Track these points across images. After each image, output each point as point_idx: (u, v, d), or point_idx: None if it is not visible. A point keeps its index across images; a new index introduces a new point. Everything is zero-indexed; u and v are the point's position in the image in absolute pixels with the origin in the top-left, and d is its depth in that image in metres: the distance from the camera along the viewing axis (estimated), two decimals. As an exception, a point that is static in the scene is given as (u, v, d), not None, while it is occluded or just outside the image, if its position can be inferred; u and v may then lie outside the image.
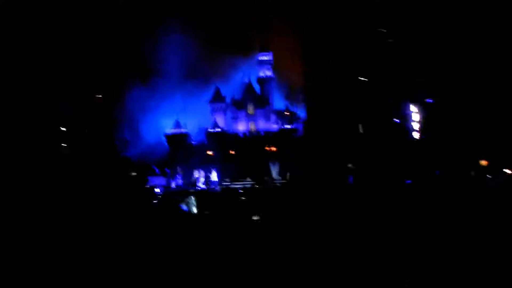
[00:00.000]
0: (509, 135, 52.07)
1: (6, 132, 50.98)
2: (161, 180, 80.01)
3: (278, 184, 75.45)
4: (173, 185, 77.88)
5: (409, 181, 47.58)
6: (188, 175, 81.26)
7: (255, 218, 24.93)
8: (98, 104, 77.67)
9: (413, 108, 66.97)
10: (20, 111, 56.68)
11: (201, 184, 78.61)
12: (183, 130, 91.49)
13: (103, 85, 79.81)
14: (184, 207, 30.69)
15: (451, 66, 58.91)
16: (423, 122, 66.04)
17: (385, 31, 61.85)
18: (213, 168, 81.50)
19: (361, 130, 74.81)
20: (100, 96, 77.89)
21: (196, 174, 79.56)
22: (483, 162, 53.14)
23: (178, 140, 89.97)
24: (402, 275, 11.87)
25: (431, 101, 63.48)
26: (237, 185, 75.30)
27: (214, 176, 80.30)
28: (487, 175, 46.38)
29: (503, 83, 54.55)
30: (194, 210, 29.37)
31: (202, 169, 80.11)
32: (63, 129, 65.68)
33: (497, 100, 55.62)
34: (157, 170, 75.46)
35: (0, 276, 11.54)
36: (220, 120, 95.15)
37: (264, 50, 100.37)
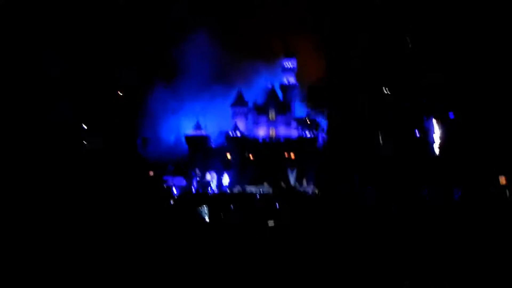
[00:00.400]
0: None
1: (26, 129, 51.85)
2: (180, 181, 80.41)
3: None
4: (192, 187, 78.39)
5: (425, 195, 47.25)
6: (203, 177, 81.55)
7: (270, 224, 25.07)
8: (121, 103, 78.56)
9: (435, 122, 66.43)
10: (42, 109, 57.57)
11: (214, 187, 78.74)
12: (203, 132, 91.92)
13: (127, 85, 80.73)
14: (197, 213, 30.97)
15: (474, 81, 58.36)
16: (444, 137, 65.49)
17: (409, 41, 61.49)
18: (226, 171, 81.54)
19: (381, 142, 74.40)
20: (122, 95, 78.77)
21: (208, 176, 79.53)
22: (502, 179, 52.50)
23: (197, 142, 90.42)
24: (401, 277, 11.99)
25: (452, 116, 62.93)
26: (254, 189, 75.50)
27: (225, 180, 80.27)
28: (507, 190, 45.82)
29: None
30: (206, 218, 29.60)
31: (216, 172, 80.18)
32: (85, 127, 66.54)
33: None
34: (171, 168, 75.72)
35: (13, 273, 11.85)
36: (241, 124, 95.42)
37: (288, 56, 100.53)
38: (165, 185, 68.90)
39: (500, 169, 54.68)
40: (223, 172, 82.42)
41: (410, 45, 66.54)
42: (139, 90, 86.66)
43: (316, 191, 73.77)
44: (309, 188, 79.64)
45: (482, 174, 54.10)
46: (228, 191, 74.36)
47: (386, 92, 64.58)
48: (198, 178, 76.31)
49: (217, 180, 78.79)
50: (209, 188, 77.30)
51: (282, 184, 78.23)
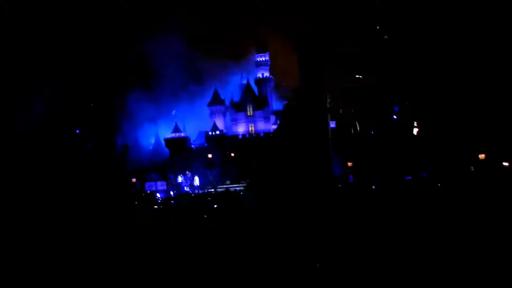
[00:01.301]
0: (506, 129, 52.27)
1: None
2: (163, 185, 79.90)
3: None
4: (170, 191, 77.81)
5: (409, 177, 47.65)
6: (186, 179, 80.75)
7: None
8: (98, 111, 77.86)
9: (409, 106, 67.14)
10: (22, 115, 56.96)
11: (186, 188, 78.00)
12: (182, 134, 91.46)
13: (102, 92, 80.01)
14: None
15: (447, 65, 59.10)
16: (421, 119, 66.20)
17: (378, 27, 61.96)
18: (198, 173, 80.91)
19: (358, 128, 74.99)
20: (100, 103, 78.12)
21: (179, 179, 78.67)
22: (482, 156, 53.35)
23: (177, 144, 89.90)
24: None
25: (425, 98, 63.72)
26: (238, 187, 75.27)
27: (196, 181, 79.61)
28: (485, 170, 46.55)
29: (498, 80, 54.78)
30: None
31: (191, 173, 79.53)
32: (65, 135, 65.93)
33: (494, 95, 55.84)
34: (153, 175, 75.11)
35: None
36: (220, 123, 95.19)
37: (261, 51, 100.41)
38: (148, 191, 68.39)
39: (479, 147, 55.60)
40: (205, 172, 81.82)
41: (381, 31, 67.02)
42: (115, 98, 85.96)
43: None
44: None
45: (461, 152, 54.92)
46: (201, 191, 73.71)
47: (358, 77, 65.03)
48: (172, 181, 75.46)
49: (190, 181, 78.02)
50: (182, 189, 76.58)
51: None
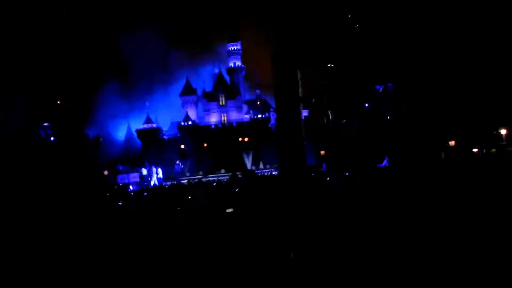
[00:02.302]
0: (477, 113, 53.24)
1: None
2: (135, 177, 79.03)
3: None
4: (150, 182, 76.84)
5: (381, 165, 48.10)
6: (151, 172, 79.60)
7: (228, 211, 24.90)
8: (67, 104, 76.54)
9: (381, 91, 67.74)
10: None
11: (152, 182, 77.06)
12: (154, 125, 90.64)
13: (71, 85, 78.66)
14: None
15: (416, 49, 59.70)
16: (392, 106, 66.92)
17: (349, 15, 62.23)
18: (179, 162, 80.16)
19: (330, 116, 75.54)
20: (68, 96, 76.79)
21: (144, 171, 77.62)
22: (452, 143, 54.37)
23: (149, 135, 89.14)
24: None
25: (391, 85, 64.49)
26: (211, 177, 75.03)
27: (160, 173, 78.76)
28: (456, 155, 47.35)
29: (470, 66, 55.63)
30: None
31: (154, 165, 78.62)
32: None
33: (464, 81, 56.69)
34: (121, 168, 74.04)
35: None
36: (192, 113, 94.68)
37: (233, 39, 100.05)
38: (120, 183, 67.54)
39: (450, 134, 56.69)
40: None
41: (352, 19, 67.27)
42: (85, 90, 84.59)
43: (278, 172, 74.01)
44: (267, 170, 79.86)
45: (432, 139, 55.83)
46: (164, 183, 72.97)
47: (330, 66, 65.31)
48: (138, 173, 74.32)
49: (155, 173, 77.12)
50: (149, 182, 75.70)
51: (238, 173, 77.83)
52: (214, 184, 42.60)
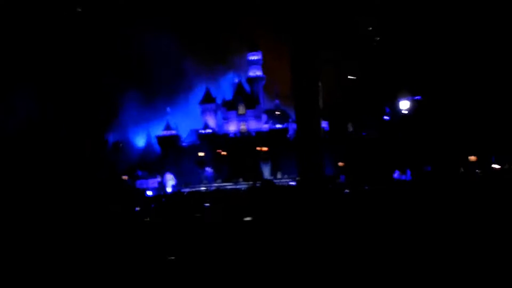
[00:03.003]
0: (498, 132, 52.70)
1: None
2: (154, 183, 79.54)
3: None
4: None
5: (400, 176, 47.88)
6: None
7: (246, 219, 24.97)
8: (89, 110, 77.44)
9: (403, 105, 67.37)
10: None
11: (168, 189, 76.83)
12: (173, 132, 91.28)
13: (94, 91, 79.64)
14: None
15: (439, 63, 59.35)
16: (413, 119, 66.50)
17: (371, 28, 62.10)
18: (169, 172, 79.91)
19: (351, 128, 75.38)
20: (90, 101, 77.66)
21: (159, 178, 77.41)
22: (472, 158, 53.88)
23: (168, 142, 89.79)
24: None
25: (419, 98, 64.02)
26: (229, 185, 75.23)
27: (171, 181, 78.34)
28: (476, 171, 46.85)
29: (491, 81, 55.15)
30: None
31: (171, 172, 78.47)
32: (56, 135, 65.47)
33: (486, 96, 56.23)
34: (140, 173, 74.50)
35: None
36: (211, 121, 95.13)
37: (253, 49, 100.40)
38: (139, 188, 68.11)
39: (470, 149, 56.13)
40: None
41: (373, 32, 67.15)
42: (104, 96, 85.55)
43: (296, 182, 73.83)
44: (285, 180, 79.77)
45: (452, 154, 55.31)
46: (182, 190, 72.96)
47: (351, 78, 65.20)
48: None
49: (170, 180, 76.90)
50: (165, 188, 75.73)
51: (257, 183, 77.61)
52: (233, 192, 42.77)
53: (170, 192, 66.34)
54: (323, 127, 69.27)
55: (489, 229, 13.30)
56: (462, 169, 45.99)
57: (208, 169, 75.65)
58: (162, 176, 76.83)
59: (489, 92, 55.55)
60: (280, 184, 69.84)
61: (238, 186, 70.94)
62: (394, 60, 65.03)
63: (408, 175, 47.81)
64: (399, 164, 52.07)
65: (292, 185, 64.07)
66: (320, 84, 32.08)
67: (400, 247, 12.55)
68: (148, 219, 22.56)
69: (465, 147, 55.61)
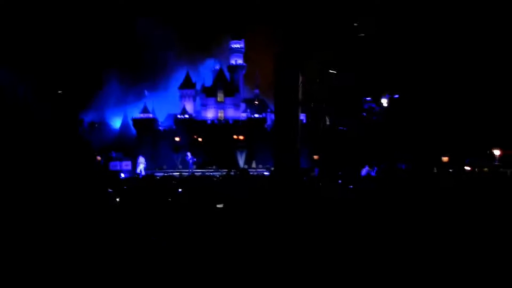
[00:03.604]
0: (472, 132, 53.55)
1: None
2: (128, 165, 78.74)
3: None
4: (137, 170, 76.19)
5: (369, 172, 48.31)
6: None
7: (219, 206, 24.99)
8: (64, 90, 76.25)
9: (382, 102, 68.02)
10: None
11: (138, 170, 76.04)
12: (150, 115, 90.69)
13: (69, 71, 78.38)
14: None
15: (420, 61, 59.91)
16: (388, 117, 67.21)
17: (356, 24, 62.37)
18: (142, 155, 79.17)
19: (327, 122, 75.81)
20: (66, 81, 76.46)
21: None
22: (445, 159, 54.76)
23: (145, 125, 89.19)
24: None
25: (396, 96, 64.71)
26: (203, 172, 75.08)
27: (142, 164, 77.23)
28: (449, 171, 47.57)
29: (466, 79, 55.91)
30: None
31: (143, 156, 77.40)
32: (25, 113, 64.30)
33: (461, 96, 57.02)
34: (114, 155, 73.64)
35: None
36: (189, 107, 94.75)
37: (236, 37, 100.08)
38: (112, 170, 67.32)
39: (443, 149, 56.98)
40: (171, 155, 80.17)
41: (358, 28, 67.40)
42: (82, 75, 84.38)
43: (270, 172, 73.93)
44: (260, 169, 79.95)
45: (425, 153, 56.06)
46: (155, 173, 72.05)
47: (332, 72, 65.47)
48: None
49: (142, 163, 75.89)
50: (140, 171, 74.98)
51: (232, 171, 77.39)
52: (206, 178, 42.65)
53: (142, 175, 65.79)
54: (301, 120, 69.52)
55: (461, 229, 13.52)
56: (435, 169, 46.64)
57: (189, 154, 74.89)
58: (136, 158, 75.98)
59: (469, 93, 56.36)
60: (255, 174, 70.03)
61: (213, 173, 70.85)
62: (376, 57, 65.46)
63: (373, 171, 48.26)
64: (371, 160, 52.50)
65: (266, 175, 64.28)
66: (300, 76, 32.13)
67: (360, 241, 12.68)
68: (118, 200, 22.34)
69: (439, 147, 56.41)
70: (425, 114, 59.54)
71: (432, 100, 58.99)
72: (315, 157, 67.60)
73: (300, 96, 30.16)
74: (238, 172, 45.14)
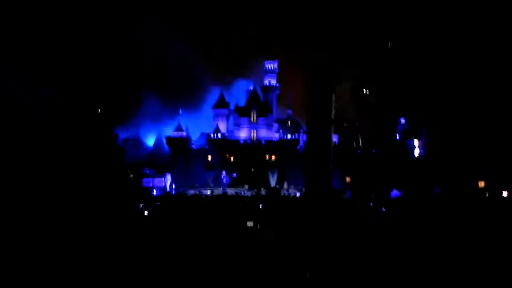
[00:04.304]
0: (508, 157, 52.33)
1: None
2: (160, 182, 79.53)
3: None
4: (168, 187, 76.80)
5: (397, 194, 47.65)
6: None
7: (249, 224, 24.83)
8: (100, 108, 77.91)
9: (415, 126, 67.16)
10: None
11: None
12: (184, 134, 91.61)
13: (106, 89, 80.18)
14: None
15: (454, 84, 59.07)
16: (425, 140, 66.27)
17: (390, 44, 62.01)
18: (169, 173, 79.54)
19: (360, 142, 75.11)
20: (102, 99, 78.17)
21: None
22: (481, 183, 53.46)
23: (178, 144, 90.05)
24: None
25: (432, 119, 63.82)
26: (234, 191, 75.22)
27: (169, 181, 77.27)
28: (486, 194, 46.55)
29: (503, 105, 54.85)
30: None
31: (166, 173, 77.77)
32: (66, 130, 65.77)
33: (501, 121, 55.91)
34: (147, 171, 74.54)
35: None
36: (223, 126, 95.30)
37: (270, 58, 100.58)
38: (145, 186, 68.23)
39: (479, 174, 55.62)
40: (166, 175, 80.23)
41: (390, 47, 66.97)
42: (120, 94, 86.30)
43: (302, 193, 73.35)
44: (292, 190, 79.56)
45: (461, 176, 54.86)
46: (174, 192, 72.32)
47: (366, 92, 65.12)
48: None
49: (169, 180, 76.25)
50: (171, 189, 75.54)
51: (262, 189, 77.41)
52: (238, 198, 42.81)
53: (173, 193, 66.55)
54: (334, 141, 69.12)
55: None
56: (470, 192, 45.59)
57: (224, 173, 75.26)
58: (165, 176, 76.84)
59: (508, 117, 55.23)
60: (287, 194, 69.85)
61: (244, 193, 70.99)
62: (410, 80, 64.81)
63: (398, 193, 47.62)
64: (407, 183, 51.72)
65: (297, 196, 63.88)
66: (334, 97, 32.12)
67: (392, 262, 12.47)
68: (147, 213, 22.62)
69: (475, 171, 55.20)
70: (462, 138, 58.47)
71: (470, 123, 57.95)
72: (348, 179, 66.89)
73: (332, 116, 30.07)
74: (268, 192, 45.21)
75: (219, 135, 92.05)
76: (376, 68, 65.54)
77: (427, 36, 60.90)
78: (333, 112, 29.73)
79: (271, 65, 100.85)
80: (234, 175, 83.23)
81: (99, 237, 14.86)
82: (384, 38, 64.61)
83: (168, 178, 73.48)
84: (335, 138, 75.83)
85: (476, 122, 58.22)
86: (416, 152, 68.35)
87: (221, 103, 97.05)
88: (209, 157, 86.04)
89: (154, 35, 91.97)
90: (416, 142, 67.68)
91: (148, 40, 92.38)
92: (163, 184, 70.99)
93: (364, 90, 67.65)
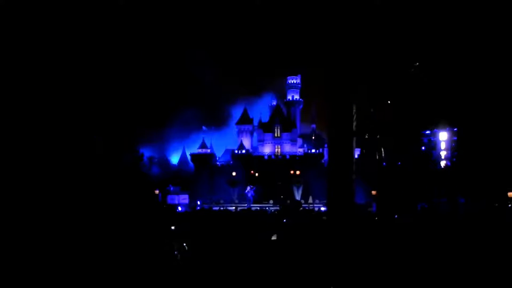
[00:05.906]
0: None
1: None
2: (185, 198, 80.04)
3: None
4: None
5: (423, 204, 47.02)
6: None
7: (273, 238, 24.88)
8: (125, 123, 78.92)
9: (441, 136, 66.50)
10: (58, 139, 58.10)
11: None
12: (208, 150, 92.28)
13: (134, 108, 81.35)
14: None
15: (479, 93, 58.34)
16: (451, 151, 65.48)
17: (416, 63, 61.68)
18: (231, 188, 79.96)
19: (383, 154, 74.53)
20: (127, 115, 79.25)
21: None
22: (511, 194, 52.40)
23: (203, 160, 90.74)
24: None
25: (456, 129, 63.04)
26: (258, 206, 75.23)
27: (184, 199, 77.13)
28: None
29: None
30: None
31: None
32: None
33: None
34: (171, 188, 75.01)
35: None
36: (247, 142, 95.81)
37: (293, 73, 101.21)
38: (170, 203, 68.69)
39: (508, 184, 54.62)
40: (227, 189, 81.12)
41: (414, 60, 66.62)
42: (144, 110, 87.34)
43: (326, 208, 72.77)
44: (316, 205, 79.21)
45: (489, 188, 53.96)
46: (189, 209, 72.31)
47: (388, 104, 64.70)
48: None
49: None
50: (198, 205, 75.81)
51: (288, 201, 77.25)
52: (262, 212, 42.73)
53: (198, 208, 66.66)
54: (355, 153, 68.50)
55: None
56: (497, 204, 44.75)
57: (248, 188, 75.43)
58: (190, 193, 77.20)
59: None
60: (312, 208, 69.41)
61: (271, 208, 70.80)
62: (432, 89, 64.24)
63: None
64: (431, 195, 51.09)
65: (322, 210, 63.42)
66: (354, 109, 32.01)
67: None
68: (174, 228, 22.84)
69: (503, 182, 54.21)
70: (487, 147, 57.59)
71: (495, 132, 57.10)
72: (373, 192, 66.33)
73: (354, 127, 30.01)
74: (291, 203, 45.18)
75: (243, 151, 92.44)
76: (399, 80, 65.22)
77: (453, 47, 60.46)
78: (354, 123, 29.72)
79: (294, 80, 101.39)
80: (259, 190, 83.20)
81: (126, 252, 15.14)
82: (409, 55, 64.40)
83: (185, 197, 73.79)
84: (357, 151, 75.84)
85: (505, 131, 57.36)
86: (443, 163, 67.44)
87: (244, 119, 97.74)
88: (234, 173, 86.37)
89: (179, 54, 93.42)
90: (442, 153, 66.82)
91: (173, 59, 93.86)
92: (187, 201, 71.35)
93: (387, 101, 67.14)
